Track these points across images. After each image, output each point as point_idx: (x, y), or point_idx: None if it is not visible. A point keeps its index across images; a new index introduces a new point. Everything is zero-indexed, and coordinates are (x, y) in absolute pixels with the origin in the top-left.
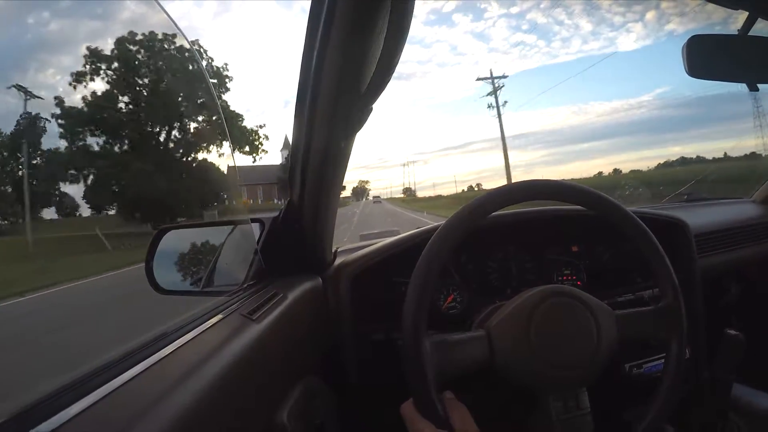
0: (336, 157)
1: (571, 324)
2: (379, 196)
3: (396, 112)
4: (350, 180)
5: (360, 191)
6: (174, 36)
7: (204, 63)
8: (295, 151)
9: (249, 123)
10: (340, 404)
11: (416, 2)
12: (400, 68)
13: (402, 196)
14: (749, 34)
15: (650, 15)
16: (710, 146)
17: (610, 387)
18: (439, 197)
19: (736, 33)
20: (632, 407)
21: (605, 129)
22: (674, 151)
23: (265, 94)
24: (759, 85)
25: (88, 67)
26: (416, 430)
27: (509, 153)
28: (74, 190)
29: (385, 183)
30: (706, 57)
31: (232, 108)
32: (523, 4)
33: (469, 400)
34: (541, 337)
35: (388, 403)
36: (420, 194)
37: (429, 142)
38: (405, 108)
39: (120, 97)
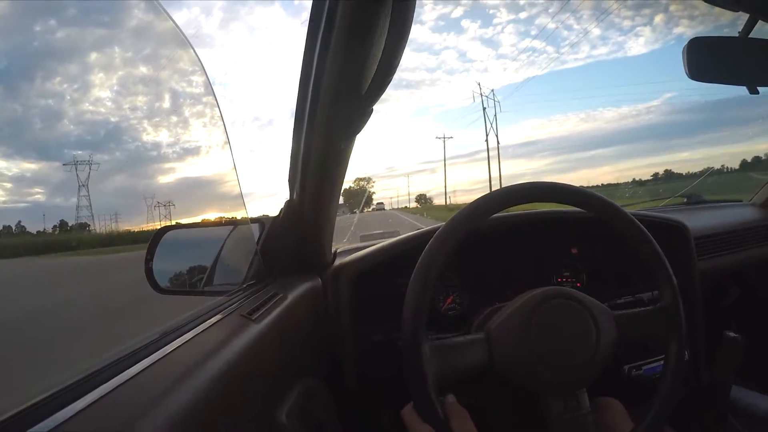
0: (336, 158)
1: (570, 325)
2: (382, 203)
3: (404, 120)
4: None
5: (358, 195)
6: None
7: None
8: (296, 151)
9: (257, 131)
10: (339, 404)
11: (425, 8)
12: (408, 76)
13: (416, 205)
14: (750, 36)
15: (659, 18)
16: (718, 151)
17: (610, 388)
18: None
19: (737, 35)
20: (632, 409)
21: (613, 135)
22: (682, 156)
23: (273, 101)
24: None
25: None
26: None
27: (513, 162)
28: None
29: (392, 192)
30: (706, 59)
31: None
32: (531, 9)
33: (469, 402)
34: (541, 339)
35: (387, 404)
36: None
37: (437, 150)
38: (413, 116)
39: None
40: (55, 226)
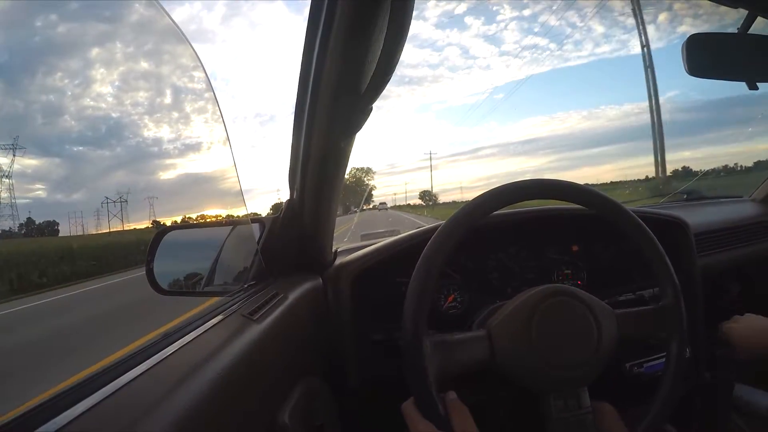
0: (336, 158)
1: (571, 323)
2: (385, 203)
3: (406, 117)
4: None
5: (357, 194)
6: None
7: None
8: (296, 151)
9: (258, 127)
10: (341, 404)
11: (428, 4)
12: (410, 72)
13: (419, 202)
14: (748, 32)
15: (663, 17)
16: (720, 150)
17: (610, 387)
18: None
19: (736, 32)
20: (632, 407)
21: (616, 133)
22: (684, 155)
23: (275, 97)
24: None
25: None
26: (416, 430)
27: (515, 159)
28: None
29: (393, 189)
30: (705, 56)
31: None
32: (535, 6)
33: (470, 400)
34: (542, 337)
35: (388, 403)
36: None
37: (439, 147)
38: (416, 113)
39: None
40: None
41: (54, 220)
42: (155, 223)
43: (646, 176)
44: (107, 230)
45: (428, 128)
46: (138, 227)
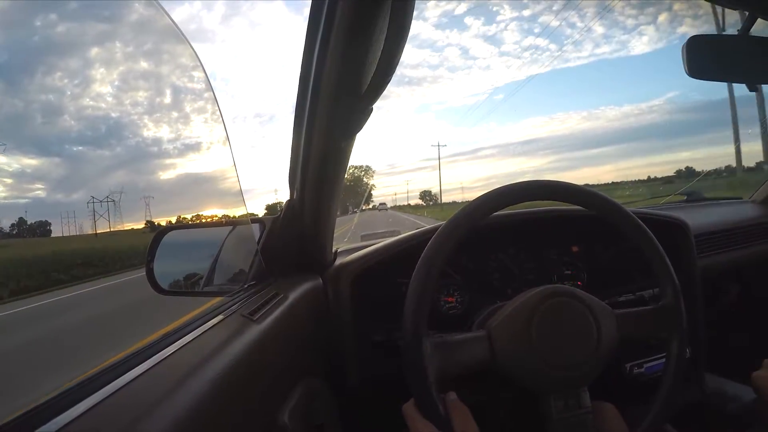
0: (336, 158)
1: (571, 324)
2: (385, 203)
3: (406, 117)
4: None
5: (358, 194)
6: None
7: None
8: (296, 151)
9: (258, 127)
10: (341, 405)
11: (428, 5)
12: (410, 73)
13: (420, 202)
14: (749, 34)
15: (663, 17)
16: (720, 150)
17: (611, 387)
18: None
19: (736, 33)
20: (632, 407)
21: (615, 134)
22: (683, 156)
23: (275, 97)
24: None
25: None
26: (417, 431)
27: (514, 159)
28: None
29: (395, 189)
30: (705, 57)
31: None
32: (535, 6)
33: (470, 400)
34: (542, 337)
35: (388, 404)
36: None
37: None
38: (415, 113)
39: None
40: None
41: (46, 221)
42: (150, 223)
43: (648, 176)
44: (94, 232)
45: (428, 128)
46: (136, 227)
